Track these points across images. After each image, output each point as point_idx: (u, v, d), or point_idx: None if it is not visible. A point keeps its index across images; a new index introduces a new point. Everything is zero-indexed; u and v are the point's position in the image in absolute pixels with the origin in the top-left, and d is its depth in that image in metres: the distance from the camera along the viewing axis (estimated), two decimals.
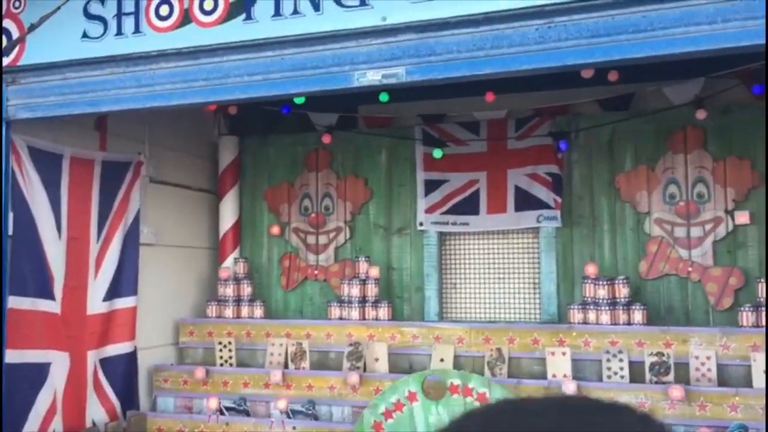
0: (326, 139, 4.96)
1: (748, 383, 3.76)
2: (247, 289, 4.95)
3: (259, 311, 4.88)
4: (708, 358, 3.87)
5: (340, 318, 4.69)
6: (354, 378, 4.16)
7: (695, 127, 4.42)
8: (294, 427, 4.11)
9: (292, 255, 5.19)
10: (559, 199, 4.60)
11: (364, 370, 4.37)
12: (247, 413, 4.35)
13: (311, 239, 5.18)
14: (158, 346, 4.80)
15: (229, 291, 4.92)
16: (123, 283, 4.36)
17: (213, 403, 4.18)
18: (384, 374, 4.26)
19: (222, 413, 4.23)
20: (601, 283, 4.23)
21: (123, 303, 4.37)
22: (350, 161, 5.16)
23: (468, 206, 4.83)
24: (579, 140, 4.66)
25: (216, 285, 5.24)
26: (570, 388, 3.80)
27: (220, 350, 4.64)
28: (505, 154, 4.79)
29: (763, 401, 3.57)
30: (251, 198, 5.33)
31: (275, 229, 5.20)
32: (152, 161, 4.70)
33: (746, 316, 3.97)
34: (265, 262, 5.28)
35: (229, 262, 5.18)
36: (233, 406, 4.34)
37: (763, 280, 4.00)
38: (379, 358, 4.34)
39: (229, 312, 4.88)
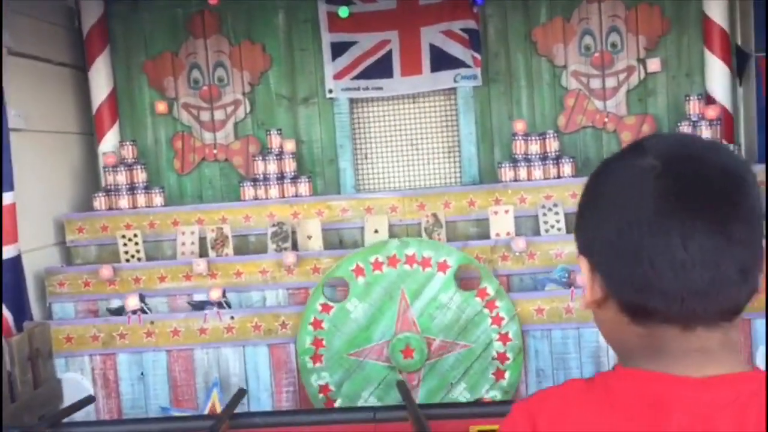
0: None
1: None
2: (141, 175, 4.37)
3: (159, 199, 4.34)
4: None
5: (256, 198, 4.29)
6: (291, 258, 3.85)
7: None
8: (232, 317, 3.76)
9: (185, 134, 4.62)
10: (479, 57, 4.42)
11: (292, 249, 4.07)
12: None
13: (205, 115, 4.63)
14: (40, 248, 4.14)
15: (120, 178, 4.31)
16: None
17: (133, 302, 3.70)
18: (321, 251, 3.98)
19: (144, 312, 3.77)
20: (533, 138, 4.17)
21: None
22: (243, 25, 4.59)
23: (380, 69, 4.51)
24: None
25: (96, 174, 4.60)
26: (519, 244, 3.77)
27: (125, 244, 4.10)
28: (417, 10, 4.48)
29: None
30: (126, 72, 4.62)
31: (161, 106, 4.58)
32: (9, 29, 3.86)
33: None
34: (152, 144, 4.67)
35: (109, 145, 4.52)
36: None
37: (684, 123, 4.13)
38: (312, 236, 4.04)
39: (124, 202, 4.29)
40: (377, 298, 3.65)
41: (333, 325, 3.65)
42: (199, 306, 3.89)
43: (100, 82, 4.50)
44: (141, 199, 4.31)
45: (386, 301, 3.65)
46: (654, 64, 4.38)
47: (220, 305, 3.78)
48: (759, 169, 3.91)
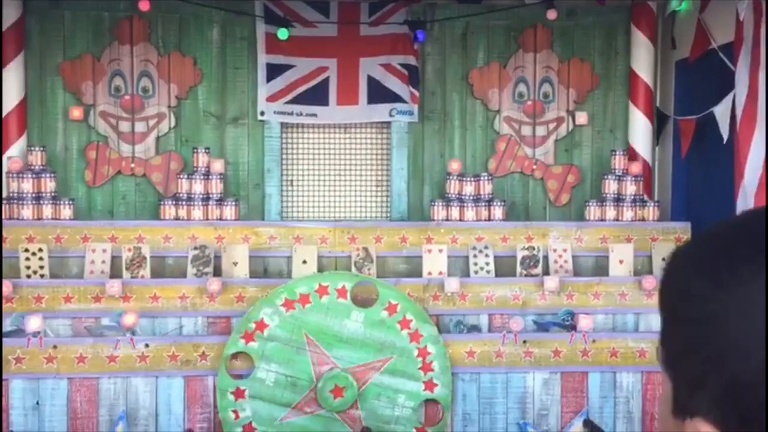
0: (144, 5, 4.06)
1: (601, 272, 4.04)
2: (49, 184, 4.01)
3: (67, 211, 4.00)
4: (564, 250, 4.07)
5: (177, 218, 4.04)
6: (215, 285, 3.63)
7: (545, 27, 4.49)
8: (147, 345, 3.48)
9: (101, 144, 4.31)
10: (416, 93, 4.40)
11: (214, 275, 3.84)
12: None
13: (125, 126, 4.34)
14: None
15: (25, 186, 3.94)
16: None
17: (35, 323, 3.35)
18: (247, 279, 3.78)
19: (46, 334, 3.42)
20: (467, 179, 4.17)
21: None
22: (173, 36, 4.37)
23: (316, 96, 4.40)
24: (433, 32, 4.47)
25: None
26: (453, 285, 3.73)
27: (27, 258, 3.73)
28: (358, 40, 4.43)
29: (618, 288, 3.86)
30: (39, 72, 4.27)
31: (76, 112, 4.25)
32: None
33: (593, 211, 4.22)
34: (61, 152, 4.32)
35: (14, 150, 4.13)
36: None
37: (610, 177, 4.27)
38: (239, 262, 3.83)
39: (27, 212, 3.92)
40: (283, 352, 3.48)
41: (252, 397, 3.44)
42: (97, 332, 3.57)
43: (13, 85, 4.11)
44: (47, 210, 3.96)
45: (294, 351, 3.47)
46: (582, 117, 4.52)
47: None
48: (681, 226, 4.09)
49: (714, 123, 3.87)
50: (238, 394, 3.45)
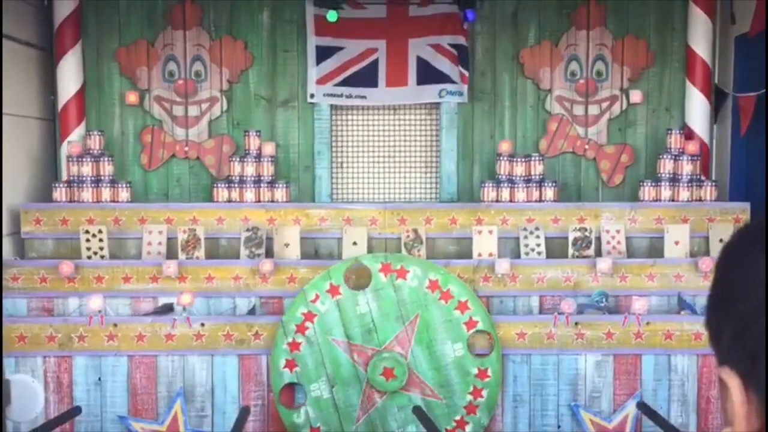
0: None
1: (655, 254, 3.97)
2: (107, 168, 4.12)
3: (125, 194, 4.10)
4: (618, 231, 4.00)
5: (230, 200, 4.11)
6: (267, 266, 3.69)
7: (598, 3, 4.39)
8: (202, 324, 3.56)
9: (155, 128, 4.40)
10: (466, 73, 4.37)
11: (266, 257, 3.91)
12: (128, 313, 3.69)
13: (179, 110, 4.42)
14: None
15: (85, 170, 4.06)
16: None
17: (96, 302, 3.47)
18: (299, 261, 3.83)
19: (106, 313, 3.53)
20: (518, 160, 4.14)
21: None
22: (225, 20, 4.42)
23: (366, 77, 4.40)
24: (483, 11, 4.42)
25: (56, 164, 4.33)
26: (503, 266, 3.71)
27: (88, 240, 3.85)
28: (407, 21, 4.41)
29: (674, 270, 3.79)
30: (96, 57, 4.38)
31: (132, 97, 4.34)
32: None
33: (647, 191, 4.14)
34: (118, 136, 4.43)
35: (75, 135, 4.25)
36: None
37: (665, 156, 4.17)
38: (290, 243, 3.89)
39: (87, 195, 4.04)
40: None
41: (328, 312, 3.49)
42: (163, 311, 3.68)
43: (71, 71, 4.24)
44: (106, 193, 4.07)
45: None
46: (636, 96, 4.42)
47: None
48: (740, 207, 3.98)
49: None
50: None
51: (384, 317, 3.52)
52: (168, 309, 3.69)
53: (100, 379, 3.57)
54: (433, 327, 3.49)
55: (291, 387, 3.54)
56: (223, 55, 4.39)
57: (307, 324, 3.51)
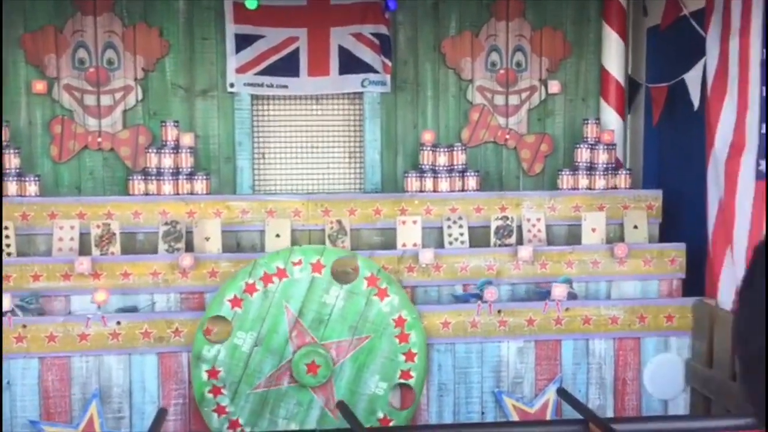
0: None
1: (574, 241, 4.06)
2: (13, 160, 3.91)
3: (33, 188, 3.90)
4: (538, 219, 4.08)
5: (146, 194, 3.97)
6: (188, 260, 3.58)
7: None
8: (118, 322, 3.43)
9: (66, 118, 4.20)
10: (389, 63, 4.35)
11: (186, 251, 3.80)
12: (40, 312, 3.52)
13: (90, 99, 4.23)
14: None
15: None
16: None
17: (5, 302, 3.29)
18: (220, 254, 3.74)
19: (14, 313, 3.36)
20: (441, 150, 4.15)
21: None
22: (138, 6, 4.25)
23: (287, 67, 4.33)
24: (405, 0, 4.40)
25: None
26: (427, 256, 3.72)
27: None
28: (328, 9, 4.35)
29: (591, 256, 3.89)
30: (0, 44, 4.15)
31: (39, 86, 4.14)
32: None
33: (565, 180, 4.23)
34: (25, 127, 4.21)
35: None
36: (22, 304, 3.48)
37: (582, 145, 4.27)
38: (211, 237, 3.79)
39: None
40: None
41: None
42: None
43: None
44: (12, 187, 3.86)
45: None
46: (554, 86, 4.51)
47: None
48: (652, 194, 4.12)
49: (685, 90, 3.88)
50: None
51: (341, 319, 3.48)
52: (133, 309, 3.56)
53: (9, 382, 3.39)
54: (373, 355, 3.48)
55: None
56: (137, 43, 4.23)
57: (275, 279, 3.44)
